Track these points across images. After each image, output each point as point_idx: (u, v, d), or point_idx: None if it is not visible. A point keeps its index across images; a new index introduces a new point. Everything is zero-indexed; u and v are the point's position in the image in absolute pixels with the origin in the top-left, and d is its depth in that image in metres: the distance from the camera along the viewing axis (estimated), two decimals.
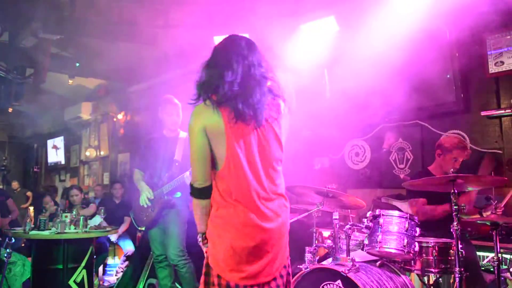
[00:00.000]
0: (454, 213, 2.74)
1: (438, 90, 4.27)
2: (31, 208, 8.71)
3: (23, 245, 5.97)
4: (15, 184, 9.49)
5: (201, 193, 1.97)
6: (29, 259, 4.65)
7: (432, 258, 2.96)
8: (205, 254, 2.00)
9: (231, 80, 1.88)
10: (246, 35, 2.09)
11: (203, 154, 1.92)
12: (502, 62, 4.01)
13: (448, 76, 4.18)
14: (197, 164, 1.94)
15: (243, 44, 1.98)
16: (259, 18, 4.87)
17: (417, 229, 3.00)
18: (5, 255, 3.56)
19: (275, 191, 1.98)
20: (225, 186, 1.91)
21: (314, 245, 3.29)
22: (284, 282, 2.00)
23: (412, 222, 2.97)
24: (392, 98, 4.47)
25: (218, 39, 5.04)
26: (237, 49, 1.95)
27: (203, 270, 1.97)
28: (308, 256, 3.17)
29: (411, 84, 4.29)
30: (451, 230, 2.74)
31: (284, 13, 4.83)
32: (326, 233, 3.44)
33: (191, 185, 1.99)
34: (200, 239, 2.04)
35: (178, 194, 3.78)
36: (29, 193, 9.59)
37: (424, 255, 2.99)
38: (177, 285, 4.09)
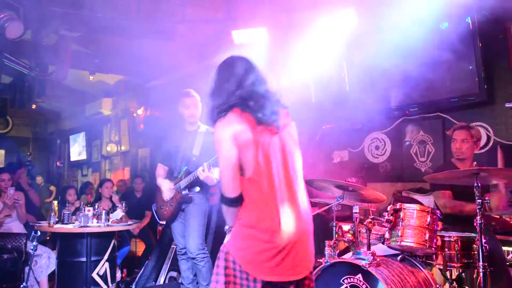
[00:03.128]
0: (478, 207, 2.70)
1: (461, 82, 4.18)
2: (55, 202, 8.92)
3: (48, 238, 6.11)
4: (39, 179, 9.72)
5: (233, 202, 2.03)
6: (54, 251, 4.77)
7: (454, 252, 2.92)
8: (225, 241, 2.11)
9: (244, 96, 2.05)
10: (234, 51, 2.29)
11: (234, 163, 1.98)
12: None
13: (470, 67, 4.09)
14: (229, 174, 2.00)
15: (245, 64, 2.16)
16: (277, 11, 4.85)
17: (439, 223, 2.96)
18: (31, 247, 3.65)
19: (301, 192, 2.08)
20: (254, 192, 2.00)
21: (334, 239, 3.27)
22: (310, 285, 2.11)
23: (434, 216, 2.93)
24: (413, 90, 4.40)
25: (236, 34, 5.06)
26: (241, 70, 2.13)
27: (223, 257, 2.03)
28: (328, 250, 3.16)
29: (433, 76, 4.21)
30: (475, 224, 2.70)
31: (303, 6, 4.79)
32: (346, 227, 3.42)
33: (222, 195, 2.04)
34: (227, 230, 2.13)
35: (197, 189, 3.81)
36: (52, 188, 9.81)
37: (446, 249, 2.96)
38: None
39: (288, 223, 1.98)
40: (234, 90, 2.06)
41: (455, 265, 2.93)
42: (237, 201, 2.03)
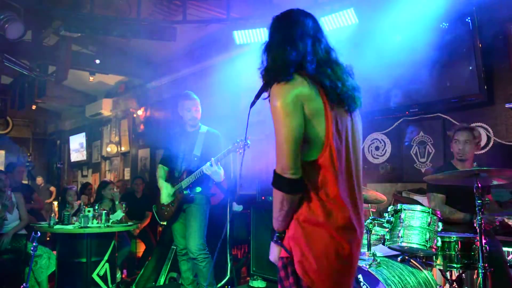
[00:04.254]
0: (478, 208, 2.70)
1: (461, 82, 4.18)
2: (55, 203, 8.93)
3: (48, 238, 6.11)
4: (39, 180, 9.72)
5: (295, 185, 1.56)
6: (54, 252, 4.77)
7: (454, 253, 2.91)
8: (276, 255, 1.69)
9: (318, 60, 1.65)
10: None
11: (298, 135, 1.53)
12: None
13: (470, 67, 4.09)
14: (290, 149, 1.53)
15: (314, 23, 1.74)
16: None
17: (440, 224, 2.96)
18: (32, 248, 3.65)
19: (361, 186, 1.72)
20: (322, 178, 1.56)
21: None
22: None
23: (435, 217, 2.93)
24: (413, 91, 4.39)
25: (237, 34, 5.05)
26: (311, 29, 1.71)
27: (288, 274, 1.61)
28: None
29: (433, 76, 4.21)
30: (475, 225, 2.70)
31: (303, 6, 4.78)
32: None
33: (279, 177, 1.57)
34: (276, 238, 1.67)
35: (198, 189, 3.80)
36: (52, 188, 9.81)
37: (446, 250, 2.95)
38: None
39: (357, 220, 1.60)
40: (304, 50, 1.63)
41: (455, 265, 2.92)
42: (300, 186, 1.56)
